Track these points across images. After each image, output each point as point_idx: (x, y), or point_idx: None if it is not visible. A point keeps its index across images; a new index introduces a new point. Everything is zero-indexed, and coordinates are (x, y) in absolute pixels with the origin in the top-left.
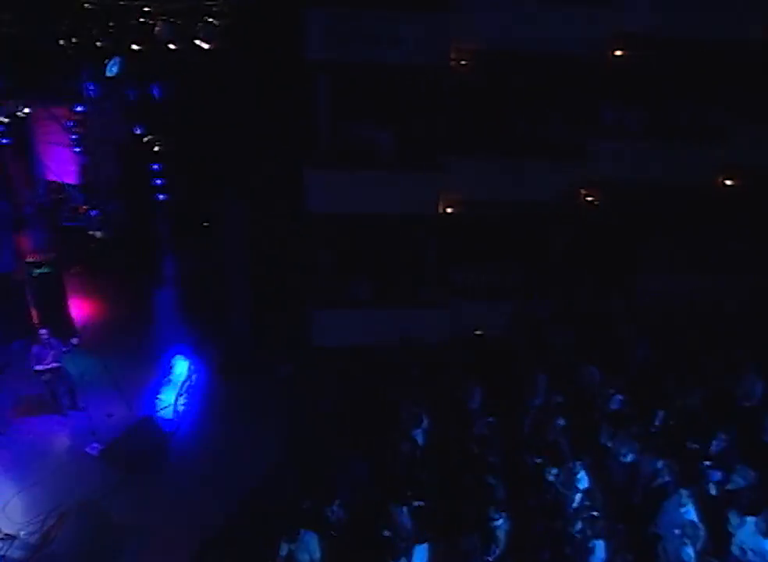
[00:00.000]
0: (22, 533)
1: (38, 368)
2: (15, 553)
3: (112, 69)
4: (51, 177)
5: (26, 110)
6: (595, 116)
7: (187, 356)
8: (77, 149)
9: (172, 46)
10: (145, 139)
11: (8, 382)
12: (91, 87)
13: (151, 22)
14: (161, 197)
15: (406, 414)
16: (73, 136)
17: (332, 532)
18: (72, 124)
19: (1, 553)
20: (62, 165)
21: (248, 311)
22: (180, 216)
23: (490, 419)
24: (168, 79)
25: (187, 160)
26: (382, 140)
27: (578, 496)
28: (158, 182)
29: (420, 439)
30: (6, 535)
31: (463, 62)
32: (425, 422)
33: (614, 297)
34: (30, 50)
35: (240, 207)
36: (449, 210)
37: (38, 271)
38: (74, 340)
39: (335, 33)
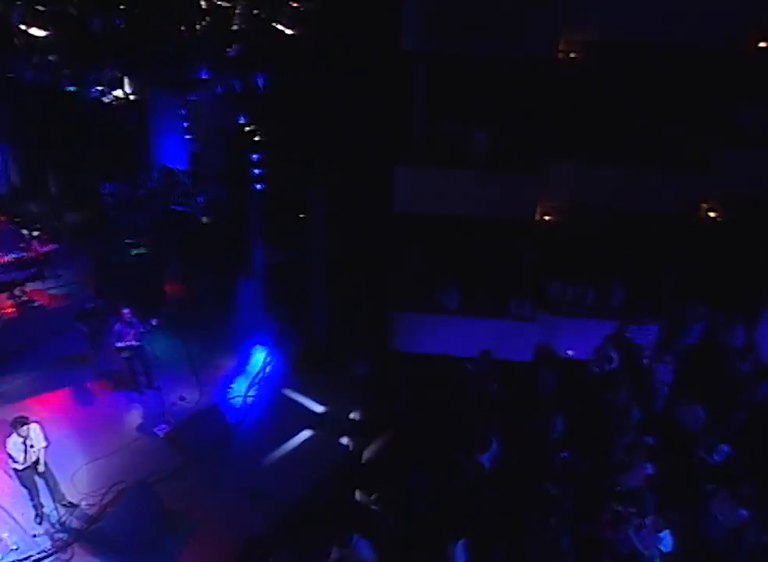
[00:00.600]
0: (83, 503)
1: (119, 344)
2: (73, 521)
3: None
4: (165, 162)
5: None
6: (727, 120)
7: (265, 347)
8: (188, 136)
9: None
10: (247, 128)
11: (100, 354)
12: (204, 76)
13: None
14: (258, 186)
15: (476, 434)
16: (185, 124)
17: (386, 540)
18: (185, 112)
19: (62, 519)
20: (174, 151)
21: (326, 306)
22: (273, 207)
23: (567, 453)
24: (267, 68)
25: (282, 151)
26: (478, 137)
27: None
28: (257, 171)
29: (486, 464)
30: (70, 502)
31: (573, 55)
32: (495, 446)
33: (732, 325)
34: (145, 38)
35: (324, 200)
36: (547, 217)
37: (135, 251)
38: (154, 321)
39: (433, 21)
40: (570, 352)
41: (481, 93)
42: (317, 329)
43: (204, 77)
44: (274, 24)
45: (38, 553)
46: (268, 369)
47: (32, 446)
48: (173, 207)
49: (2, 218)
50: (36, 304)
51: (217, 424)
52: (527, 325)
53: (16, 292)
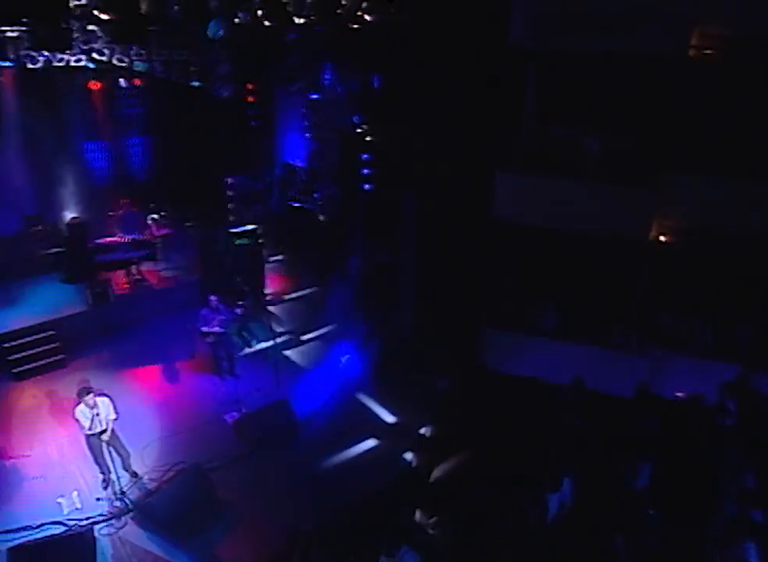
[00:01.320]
0: (145, 477)
1: (204, 329)
2: (133, 492)
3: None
4: (286, 159)
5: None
6: None
7: (349, 350)
8: (308, 134)
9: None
10: (359, 129)
11: (192, 336)
12: (327, 76)
13: None
14: (366, 186)
15: (547, 470)
16: (306, 122)
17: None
18: (306, 111)
19: (125, 488)
20: (295, 148)
21: (414, 313)
22: (374, 209)
23: (654, 512)
24: (382, 68)
25: (387, 152)
26: (589, 144)
27: None
28: (366, 171)
29: (552, 507)
30: (135, 473)
31: (706, 51)
32: (567, 488)
33: None
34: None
35: (414, 202)
36: (663, 238)
37: (239, 241)
38: (238, 310)
39: (545, 14)
40: (679, 394)
41: (596, 95)
42: (402, 335)
43: (326, 78)
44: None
45: (96, 516)
46: (347, 371)
47: (98, 415)
48: (290, 202)
49: (128, 202)
50: (146, 282)
51: (284, 419)
52: (631, 357)
53: (132, 270)
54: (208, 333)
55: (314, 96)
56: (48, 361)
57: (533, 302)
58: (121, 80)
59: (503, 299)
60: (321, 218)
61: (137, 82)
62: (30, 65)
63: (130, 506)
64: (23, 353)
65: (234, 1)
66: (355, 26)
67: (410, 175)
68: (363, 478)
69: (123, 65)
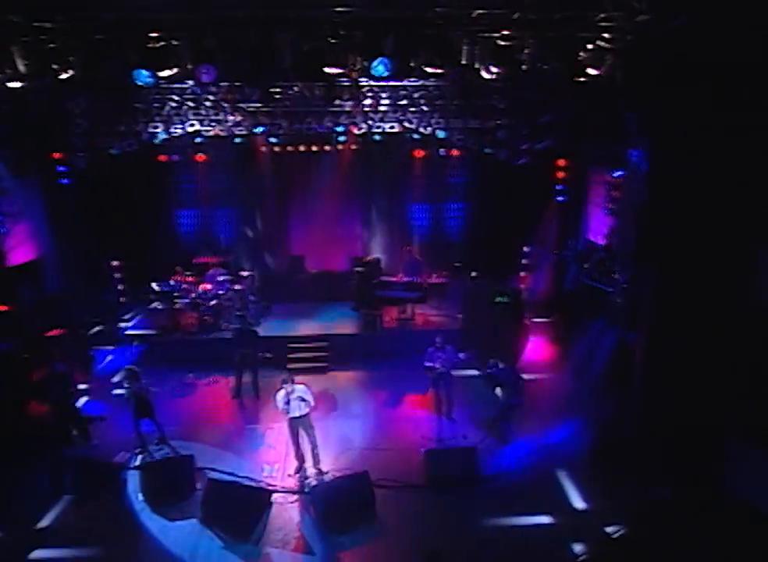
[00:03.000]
0: (329, 474)
1: (427, 364)
2: (311, 479)
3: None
4: (588, 236)
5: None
6: None
7: (571, 428)
8: (610, 211)
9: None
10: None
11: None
12: (635, 153)
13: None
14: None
15: None
16: (609, 199)
17: None
18: (611, 187)
19: (307, 473)
20: (597, 225)
21: (644, 406)
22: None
23: None
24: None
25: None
26: None
27: None
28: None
29: None
30: (320, 469)
31: None
32: None
33: None
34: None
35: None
36: None
37: (500, 298)
38: (461, 355)
39: None
40: None
41: None
42: (628, 425)
43: (634, 154)
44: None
45: (278, 487)
46: (560, 444)
47: (294, 399)
48: (585, 280)
49: (412, 250)
50: (412, 322)
51: (470, 466)
52: None
53: (405, 308)
54: (430, 369)
55: (618, 173)
56: (315, 365)
57: None
58: (441, 149)
59: (760, 411)
60: (619, 300)
61: (454, 152)
62: (356, 132)
63: (305, 490)
64: (299, 354)
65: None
66: None
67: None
68: (520, 548)
69: (426, 133)
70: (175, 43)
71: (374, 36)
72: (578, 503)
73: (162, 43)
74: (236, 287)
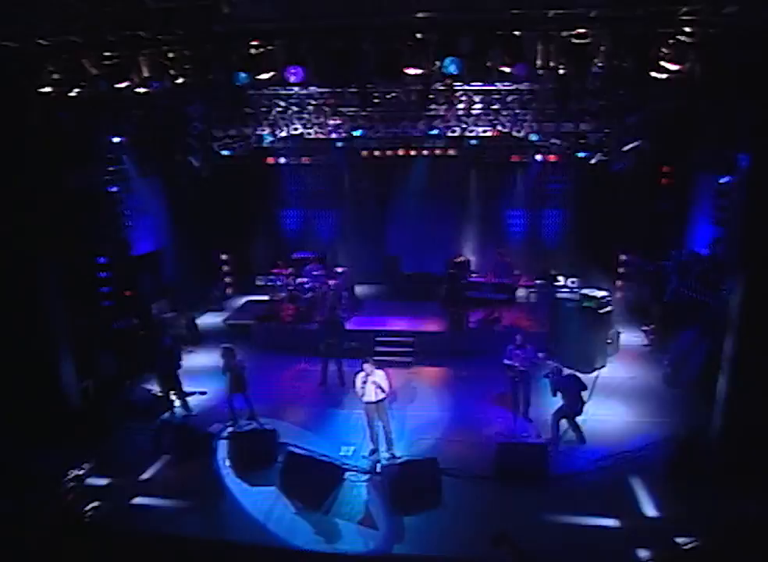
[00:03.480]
0: (401, 459)
1: (506, 362)
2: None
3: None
4: (691, 246)
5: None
6: None
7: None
8: (716, 220)
9: None
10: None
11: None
12: (744, 158)
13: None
14: None
15: None
16: (715, 207)
17: None
18: (718, 195)
19: (379, 457)
20: (701, 235)
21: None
22: None
23: None
24: None
25: None
26: None
27: None
28: None
29: None
30: (393, 453)
31: None
32: None
33: None
34: None
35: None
36: None
37: (586, 303)
38: (540, 354)
39: None
40: None
41: None
42: (711, 439)
43: (743, 159)
44: None
45: (352, 466)
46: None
47: (370, 384)
48: (685, 291)
49: (503, 253)
50: (499, 324)
51: (537, 463)
52: None
53: (493, 310)
54: (508, 367)
55: (725, 179)
56: (400, 359)
57: None
58: (538, 155)
59: None
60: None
61: (551, 158)
62: (450, 135)
63: (377, 470)
64: (386, 348)
65: None
66: None
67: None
68: (583, 547)
69: (519, 136)
70: (270, 48)
71: (449, 37)
72: (650, 510)
73: (261, 49)
74: (331, 282)
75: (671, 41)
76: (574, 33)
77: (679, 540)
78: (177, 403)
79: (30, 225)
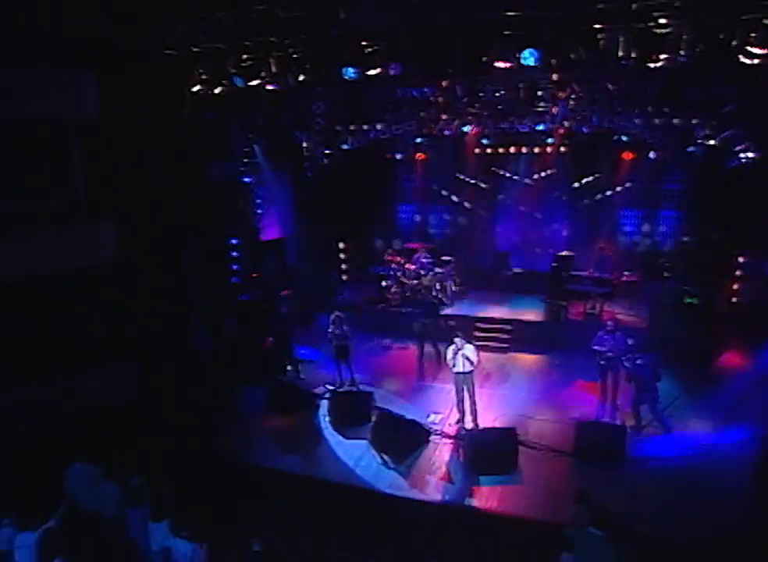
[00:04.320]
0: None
1: (596, 348)
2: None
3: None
4: None
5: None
6: None
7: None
8: None
9: None
10: None
11: None
12: None
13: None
14: None
15: None
16: None
17: None
18: None
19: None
20: None
21: None
22: None
23: None
24: None
25: None
26: None
27: None
28: None
29: None
30: (477, 423)
31: None
32: None
33: None
34: None
35: None
36: None
37: (690, 300)
38: (630, 341)
39: None
40: None
41: None
42: None
43: None
44: None
45: (436, 430)
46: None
47: (460, 356)
48: None
49: (605, 247)
50: (598, 317)
51: (617, 443)
52: None
53: (593, 303)
54: (597, 353)
55: None
56: (497, 345)
57: None
58: (651, 152)
59: None
60: None
61: (665, 155)
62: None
63: (459, 436)
64: (485, 334)
65: None
66: None
67: None
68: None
69: (631, 133)
70: (376, 47)
71: (532, 31)
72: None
73: (369, 49)
74: (438, 270)
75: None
76: (655, 23)
77: None
78: (289, 368)
79: (180, 209)
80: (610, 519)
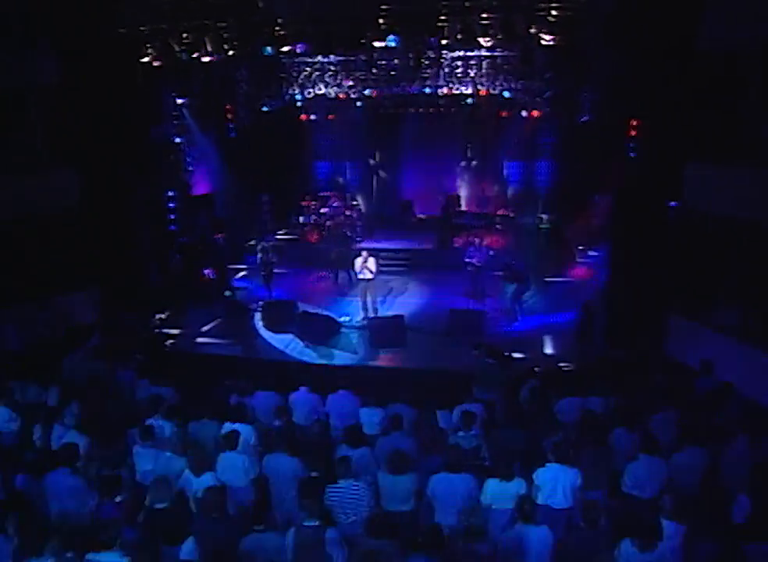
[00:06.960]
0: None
1: (466, 259)
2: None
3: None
4: None
5: None
6: None
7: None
8: None
9: None
10: None
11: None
12: None
13: None
14: None
15: None
16: None
17: None
18: None
19: (362, 319)
20: None
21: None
22: None
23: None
24: None
25: None
26: None
27: None
28: None
29: None
30: (375, 314)
31: None
32: None
33: None
34: None
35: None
36: None
37: (542, 226)
38: (491, 252)
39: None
40: None
41: None
42: None
43: None
44: None
45: (347, 323)
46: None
47: (365, 267)
48: None
49: (485, 188)
50: (482, 245)
51: (476, 324)
52: None
53: (474, 234)
54: (468, 263)
55: None
56: (398, 269)
57: (719, 297)
58: (523, 112)
59: (690, 289)
60: None
61: (534, 113)
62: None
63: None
64: (389, 260)
65: None
66: None
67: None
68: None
69: (494, 93)
70: (288, 29)
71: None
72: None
73: (283, 31)
74: (347, 213)
75: None
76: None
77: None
78: (227, 293)
79: (129, 163)
80: (497, 352)
